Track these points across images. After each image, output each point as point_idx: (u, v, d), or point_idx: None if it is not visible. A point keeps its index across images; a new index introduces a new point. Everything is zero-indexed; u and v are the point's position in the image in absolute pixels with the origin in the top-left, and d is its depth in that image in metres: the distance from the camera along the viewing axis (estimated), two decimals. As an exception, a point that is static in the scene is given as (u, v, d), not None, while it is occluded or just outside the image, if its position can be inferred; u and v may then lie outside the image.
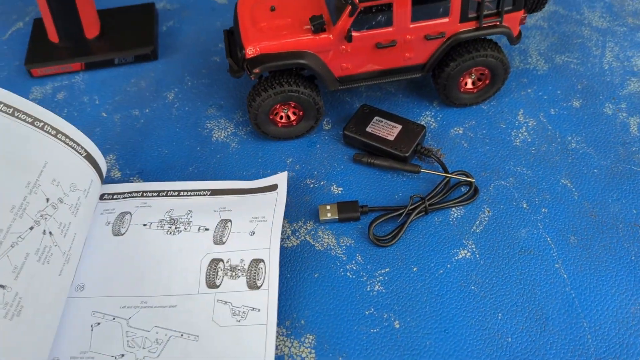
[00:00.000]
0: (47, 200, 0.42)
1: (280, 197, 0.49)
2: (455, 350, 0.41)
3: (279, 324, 0.43)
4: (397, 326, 0.42)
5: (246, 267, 0.45)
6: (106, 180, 0.53)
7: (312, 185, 0.51)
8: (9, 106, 0.43)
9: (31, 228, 0.41)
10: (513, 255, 0.45)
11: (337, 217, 0.48)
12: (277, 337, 0.42)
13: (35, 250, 0.41)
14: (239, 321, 0.42)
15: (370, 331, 0.42)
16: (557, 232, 0.47)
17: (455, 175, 0.49)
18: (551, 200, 0.49)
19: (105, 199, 0.51)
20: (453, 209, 0.48)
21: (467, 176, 0.49)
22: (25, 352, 0.38)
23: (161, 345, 0.42)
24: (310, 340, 0.42)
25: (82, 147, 0.46)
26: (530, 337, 0.41)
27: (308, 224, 0.49)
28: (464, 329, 0.42)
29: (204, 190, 0.51)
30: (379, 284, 0.44)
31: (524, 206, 0.48)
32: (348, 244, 0.47)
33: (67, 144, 0.45)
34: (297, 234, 0.48)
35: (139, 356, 0.41)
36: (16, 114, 0.43)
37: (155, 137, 0.57)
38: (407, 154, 0.50)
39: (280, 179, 0.51)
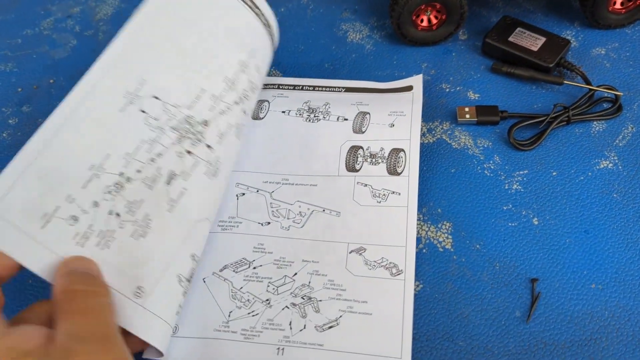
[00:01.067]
0: (250, 83, 0.45)
1: (416, 96, 0.50)
2: (596, 251, 0.41)
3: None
4: (536, 223, 0.43)
5: (386, 155, 0.46)
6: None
7: (447, 90, 0.52)
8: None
9: (236, 103, 0.43)
10: (658, 170, 0.45)
11: (475, 119, 0.48)
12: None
13: (235, 123, 0.43)
14: (379, 202, 0.44)
15: (508, 224, 0.43)
16: None
17: (603, 88, 0.48)
18: (700, 123, 0.47)
19: (244, 87, 0.53)
20: (595, 122, 0.48)
21: (614, 90, 0.48)
22: (211, 210, 0.41)
23: (305, 217, 0.44)
24: (447, 227, 0.43)
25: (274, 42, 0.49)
26: (675, 247, 0.41)
27: (444, 124, 0.49)
28: (605, 232, 0.42)
29: (339, 87, 0.53)
30: (517, 183, 0.45)
31: (671, 126, 0.47)
32: (486, 145, 0.47)
33: (267, 32, 0.48)
34: (433, 132, 0.49)
35: (284, 225, 0.44)
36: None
37: (290, 34, 0.58)
38: (552, 65, 0.49)
39: (416, 81, 0.51)
